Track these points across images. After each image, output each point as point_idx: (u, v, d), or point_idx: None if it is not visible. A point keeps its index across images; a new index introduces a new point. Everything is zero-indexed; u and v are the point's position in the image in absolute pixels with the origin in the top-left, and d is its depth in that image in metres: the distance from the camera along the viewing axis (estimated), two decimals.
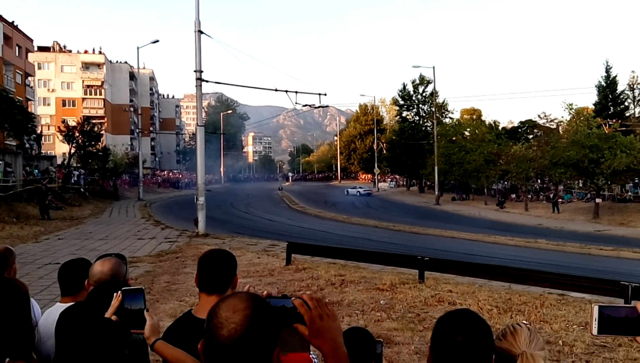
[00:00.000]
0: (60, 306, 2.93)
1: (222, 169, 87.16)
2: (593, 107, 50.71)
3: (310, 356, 2.23)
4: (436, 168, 46.05)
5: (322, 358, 1.46)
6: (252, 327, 1.23)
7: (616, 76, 51.07)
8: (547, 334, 7.43)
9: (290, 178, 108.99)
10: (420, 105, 63.20)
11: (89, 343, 1.77)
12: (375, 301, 9.48)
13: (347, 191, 58.15)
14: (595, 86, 51.74)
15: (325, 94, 25.95)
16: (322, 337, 1.41)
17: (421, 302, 9.40)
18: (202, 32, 21.72)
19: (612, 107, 50.37)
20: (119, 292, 2.25)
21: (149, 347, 2.27)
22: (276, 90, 24.62)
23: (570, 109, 40.03)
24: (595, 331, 1.42)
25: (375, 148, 70.78)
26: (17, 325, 2.07)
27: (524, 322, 1.97)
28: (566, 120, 43.91)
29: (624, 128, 39.17)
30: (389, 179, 78.47)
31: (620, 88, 51.30)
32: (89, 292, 2.48)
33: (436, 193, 47.35)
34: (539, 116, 53.23)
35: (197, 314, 2.40)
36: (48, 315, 2.90)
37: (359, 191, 56.73)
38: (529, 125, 61.49)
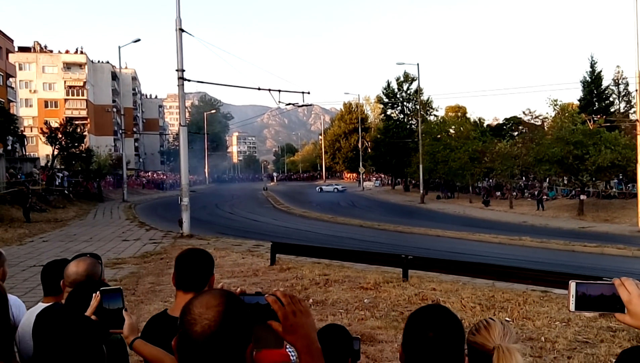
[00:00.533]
0: (41, 306, 2.98)
1: (206, 170, 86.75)
2: (578, 103, 50.96)
3: (287, 351, 2.22)
4: (421, 166, 46.23)
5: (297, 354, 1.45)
6: (225, 323, 1.23)
7: (601, 71, 51.44)
8: (530, 331, 7.48)
9: (275, 178, 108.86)
10: (405, 103, 63.41)
11: (67, 342, 1.74)
12: (359, 300, 9.48)
13: (321, 188, 62.08)
14: (580, 82, 51.96)
15: (308, 93, 25.91)
16: (296, 333, 1.42)
17: (405, 300, 9.41)
18: (183, 31, 21.56)
19: (597, 103, 50.67)
20: (98, 292, 2.27)
21: (127, 346, 2.29)
22: (259, 89, 24.55)
23: (555, 105, 40.17)
24: (572, 307, 1.42)
25: (360, 146, 70.89)
26: None
27: (493, 317, 1.96)
28: (551, 116, 44.17)
29: (608, 124, 39.42)
30: (374, 178, 78.64)
31: (605, 83, 51.75)
32: (69, 293, 2.51)
33: (421, 191, 47.56)
34: (523, 112, 53.41)
35: (173, 313, 2.44)
36: (30, 315, 2.91)
37: (336, 188, 61.24)
38: (514, 122, 61.89)
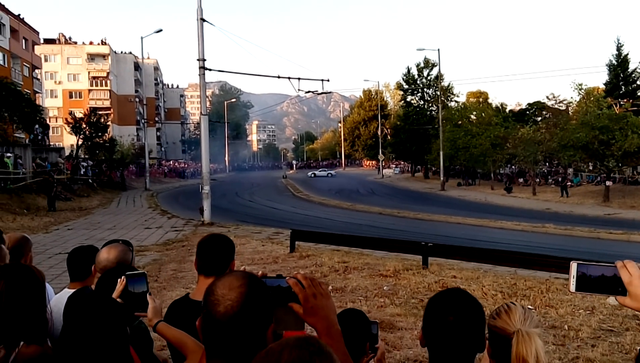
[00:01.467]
0: (68, 292, 3.08)
1: (227, 158, 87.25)
2: (603, 87, 49.72)
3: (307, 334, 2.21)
4: (441, 153, 45.73)
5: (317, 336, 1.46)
6: (247, 304, 1.27)
7: (627, 54, 49.84)
8: (553, 319, 7.37)
9: (294, 166, 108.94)
10: (425, 89, 62.67)
11: (96, 323, 1.84)
12: (379, 287, 9.46)
13: (314, 174, 67.08)
14: (606, 65, 50.60)
15: (328, 80, 25.77)
16: (316, 315, 1.45)
17: (425, 288, 9.36)
18: (204, 20, 21.61)
19: (623, 87, 49.29)
20: (123, 276, 2.36)
21: (151, 329, 2.34)
22: (279, 77, 24.54)
23: (580, 89, 39.21)
24: (572, 288, 1.44)
25: (379, 133, 70.48)
26: (32, 310, 2.19)
27: (514, 302, 1.95)
28: (576, 101, 43.16)
29: (635, 108, 38.45)
30: (394, 166, 78.21)
31: (632, 67, 50.23)
32: (98, 278, 2.60)
33: (441, 178, 47.13)
34: (547, 97, 52.46)
35: (194, 297, 2.49)
36: (57, 300, 2.99)
37: (330, 174, 67.22)
38: (537, 107, 60.81)
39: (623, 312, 7.49)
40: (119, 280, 2.37)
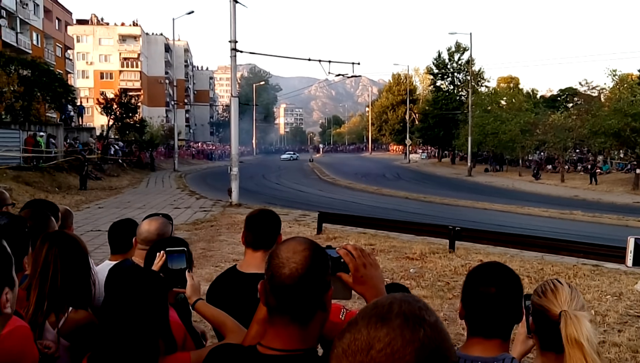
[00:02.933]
0: (109, 264, 3.16)
1: (254, 141, 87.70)
2: (638, 73, 48.58)
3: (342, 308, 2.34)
4: (470, 138, 45.22)
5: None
6: (311, 267, 1.33)
7: None
8: None
9: (320, 149, 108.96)
10: (455, 73, 61.85)
11: (138, 294, 1.88)
12: (405, 270, 9.57)
13: (281, 156, 74.78)
14: None
15: (359, 64, 25.57)
16: (366, 284, 1.50)
17: (451, 271, 9.43)
18: (237, 2, 21.60)
19: None
20: (162, 252, 2.37)
21: (190, 307, 2.36)
22: (309, 60, 24.53)
23: (614, 75, 38.25)
24: (630, 263, 1.46)
25: (407, 118, 69.93)
26: (80, 277, 2.30)
27: (560, 280, 1.90)
28: (609, 87, 42.19)
29: None
30: (421, 151, 77.67)
31: None
32: (147, 250, 2.59)
33: (469, 164, 46.66)
34: (579, 83, 51.37)
35: (242, 268, 2.51)
36: (99, 272, 3.07)
37: (292, 157, 73.59)
38: (569, 93, 59.57)
39: None
40: (157, 254, 2.38)
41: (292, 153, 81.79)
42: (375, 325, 0.79)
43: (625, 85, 36.38)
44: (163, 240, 2.66)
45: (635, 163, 34.36)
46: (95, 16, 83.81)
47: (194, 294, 2.29)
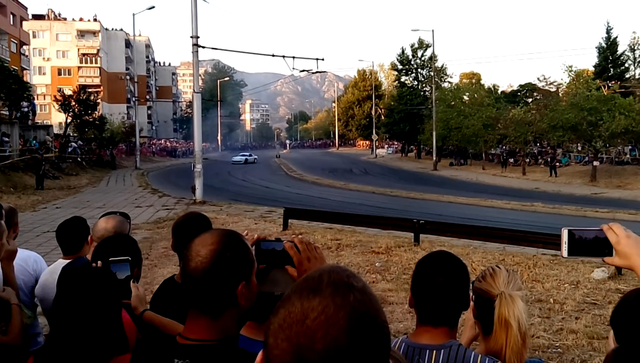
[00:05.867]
0: (62, 262, 3.02)
1: (219, 138, 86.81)
2: (593, 69, 50.12)
3: None
4: (434, 133, 45.85)
5: None
6: (216, 262, 1.32)
7: (617, 37, 50.36)
8: (539, 293, 7.56)
9: (287, 145, 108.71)
10: (419, 69, 62.55)
11: (89, 292, 1.86)
12: (371, 264, 9.61)
13: (232, 159, 58.94)
14: (596, 48, 51.15)
15: (323, 59, 25.63)
16: None
17: (416, 264, 9.50)
18: None
19: (612, 69, 49.79)
20: (99, 262, 2.27)
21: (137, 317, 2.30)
22: (273, 55, 24.41)
23: (570, 71, 39.49)
24: (565, 253, 1.49)
25: (373, 113, 70.38)
26: None
27: (499, 266, 2.02)
28: (566, 83, 43.44)
29: (623, 90, 38.78)
30: (387, 146, 78.31)
31: (620, 49, 50.70)
32: (95, 247, 2.52)
33: (434, 158, 47.33)
34: (538, 79, 52.50)
35: (179, 279, 2.43)
36: (51, 271, 2.99)
37: (246, 158, 58.74)
38: (529, 88, 60.88)
39: (606, 286, 7.70)
40: (93, 264, 2.30)
41: (247, 153, 64.39)
42: (308, 297, 0.82)
43: (581, 80, 37.51)
44: (109, 239, 2.57)
45: (592, 155, 35.47)
46: (52, 11, 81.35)
47: (140, 304, 2.26)
